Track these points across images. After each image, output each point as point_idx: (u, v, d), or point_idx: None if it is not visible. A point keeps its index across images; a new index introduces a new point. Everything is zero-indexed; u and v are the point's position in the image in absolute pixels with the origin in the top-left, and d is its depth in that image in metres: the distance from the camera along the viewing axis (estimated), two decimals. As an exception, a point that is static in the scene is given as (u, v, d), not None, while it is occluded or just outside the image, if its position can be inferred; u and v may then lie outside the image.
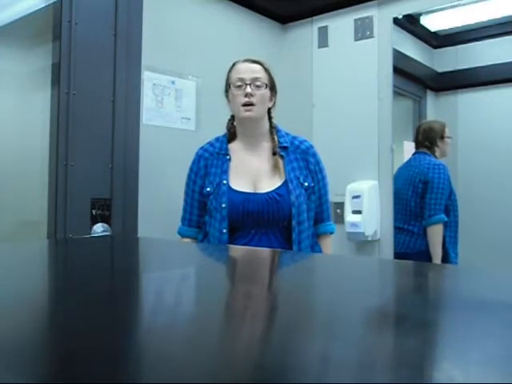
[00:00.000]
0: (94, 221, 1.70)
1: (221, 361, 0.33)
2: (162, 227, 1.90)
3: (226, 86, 1.63)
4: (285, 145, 1.62)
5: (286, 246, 1.55)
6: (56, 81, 1.69)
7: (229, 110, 1.71)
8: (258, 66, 1.60)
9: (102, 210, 1.72)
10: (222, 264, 0.92)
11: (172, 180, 2.00)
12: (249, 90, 1.55)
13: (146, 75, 1.94)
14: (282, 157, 1.60)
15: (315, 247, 1.65)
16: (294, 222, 1.54)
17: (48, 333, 0.40)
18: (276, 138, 1.62)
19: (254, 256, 1.00)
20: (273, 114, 1.66)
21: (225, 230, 1.52)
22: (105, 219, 1.73)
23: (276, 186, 1.56)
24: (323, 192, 1.66)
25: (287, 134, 1.66)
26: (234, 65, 1.63)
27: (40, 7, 1.78)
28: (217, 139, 1.67)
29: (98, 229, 1.71)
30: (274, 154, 1.60)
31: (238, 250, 1.19)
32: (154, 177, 1.93)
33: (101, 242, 1.17)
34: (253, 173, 1.58)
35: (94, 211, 1.70)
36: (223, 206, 1.53)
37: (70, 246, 1.10)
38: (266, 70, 1.61)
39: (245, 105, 1.55)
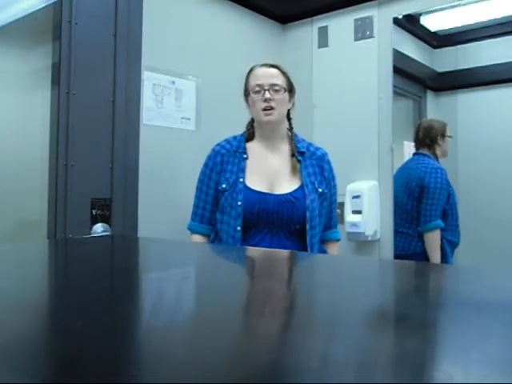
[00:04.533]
0: (94, 221, 1.70)
1: (222, 362, 0.33)
2: (162, 227, 1.90)
3: (245, 92, 1.65)
4: (302, 150, 1.65)
5: (298, 248, 1.57)
6: (56, 81, 1.69)
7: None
8: (275, 71, 1.62)
9: (102, 210, 1.72)
10: (222, 264, 0.92)
11: (172, 180, 2.00)
12: (268, 95, 1.57)
13: (146, 75, 1.94)
14: (299, 161, 1.62)
15: None
16: (307, 226, 1.55)
17: (48, 333, 0.40)
18: (294, 142, 1.65)
19: (253, 257, 1.00)
20: (292, 116, 1.69)
21: (239, 228, 1.53)
22: (105, 219, 1.73)
23: (293, 189, 1.58)
24: (333, 199, 1.70)
25: (303, 140, 1.70)
26: (251, 70, 1.65)
27: (40, 7, 1.78)
28: (234, 137, 1.68)
29: (98, 229, 1.71)
30: (293, 155, 1.62)
31: (239, 251, 1.19)
32: (154, 177, 1.93)
33: (101, 242, 1.17)
34: (270, 173, 1.60)
35: (94, 211, 1.70)
36: (239, 203, 1.54)
37: (70, 246, 1.10)
38: (283, 73, 1.63)
39: (265, 109, 1.57)
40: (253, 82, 1.61)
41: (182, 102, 2.07)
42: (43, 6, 1.77)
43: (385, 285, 0.68)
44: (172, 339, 0.38)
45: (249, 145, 1.65)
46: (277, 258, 0.94)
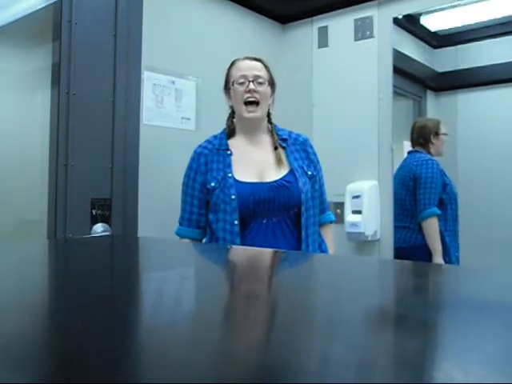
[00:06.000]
0: (94, 221, 1.70)
1: (221, 361, 0.33)
2: (162, 227, 1.89)
3: (227, 84, 1.64)
4: (284, 137, 1.66)
5: (296, 233, 1.58)
6: (56, 81, 1.69)
7: (229, 110, 1.71)
8: (258, 64, 1.62)
9: (101, 210, 1.72)
10: (221, 264, 0.92)
11: (172, 180, 1.99)
12: (252, 86, 1.56)
13: (146, 75, 1.94)
14: (283, 148, 1.63)
15: (322, 244, 1.68)
16: (302, 209, 1.56)
17: (48, 333, 0.40)
18: (275, 133, 1.66)
19: (253, 256, 1.00)
20: (271, 111, 1.68)
21: (236, 222, 1.52)
22: (105, 219, 1.73)
23: (283, 175, 1.58)
24: (322, 182, 1.72)
25: (283, 129, 1.70)
26: (233, 63, 1.64)
27: (40, 7, 1.78)
28: (214, 137, 1.66)
29: (98, 229, 1.71)
30: (276, 148, 1.63)
31: (237, 251, 1.19)
32: (154, 177, 1.93)
33: (101, 242, 1.17)
34: (257, 165, 1.60)
35: (94, 211, 1.70)
36: (232, 197, 1.52)
37: (70, 246, 1.10)
38: (266, 67, 1.63)
39: (248, 103, 1.57)
40: (236, 73, 1.60)
41: (181, 102, 2.07)
42: (43, 6, 1.77)
43: (385, 285, 0.68)
44: (172, 339, 0.38)
45: (231, 141, 1.64)
46: (276, 259, 0.94)
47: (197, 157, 1.62)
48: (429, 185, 2.12)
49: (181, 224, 1.64)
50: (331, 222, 1.77)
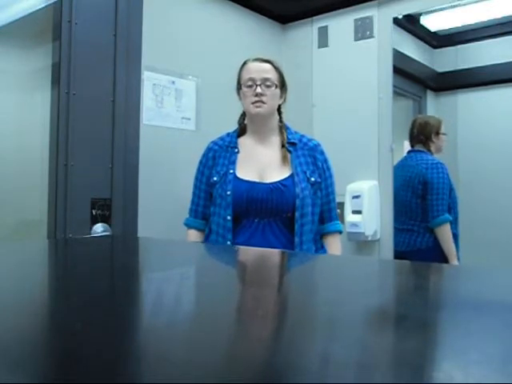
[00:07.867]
0: (94, 221, 1.70)
1: (222, 361, 0.33)
2: (162, 227, 1.90)
3: (238, 85, 1.67)
4: (293, 141, 1.66)
5: (289, 237, 1.57)
6: (56, 81, 1.69)
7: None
8: (268, 66, 1.63)
9: (101, 210, 1.72)
10: (222, 264, 0.92)
11: (172, 180, 2.00)
12: (259, 90, 1.59)
13: (146, 75, 1.94)
14: (289, 152, 1.64)
15: (320, 251, 1.65)
16: (297, 214, 1.56)
17: (48, 333, 0.40)
18: (285, 133, 1.67)
19: (254, 256, 1.00)
20: (283, 110, 1.70)
21: (229, 217, 1.56)
22: (105, 219, 1.73)
23: (283, 177, 1.59)
24: (330, 190, 1.69)
25: (295, 132, 1.71)
26: (244, 64, 1.66)
27: (40, 7, 1.78)
28: (227, 134, 1.71)
29: (98, 229, 1.71)
30: (283, 146, 1.64)
31: (238, 251, 1.19)
32: (154, 177, 1.93)
33: (101, 242, 1.17)
34: (260, 164, 1.62)
35: (94, 211, 1.70)
36: (228, 193, 1.56)
37: (70, 246, 1.10)
38: (276, 68, 1.64)
39: (255, 102, 1.59)
40: (245, 75, 1.62)
41: (181, 102, 2.07)
42: (43, 5, 1.77)
43: (385, 285, 0.68)
44: (172, 339, 0.38)
45: (240, 139, 1.68)
46: (276, 258, 0.94)
47: (207, 151, 1.70)
48: (441, 190, 2.11)
49: (189, 215, 1.72)
50: (340, 233, 1.72)
